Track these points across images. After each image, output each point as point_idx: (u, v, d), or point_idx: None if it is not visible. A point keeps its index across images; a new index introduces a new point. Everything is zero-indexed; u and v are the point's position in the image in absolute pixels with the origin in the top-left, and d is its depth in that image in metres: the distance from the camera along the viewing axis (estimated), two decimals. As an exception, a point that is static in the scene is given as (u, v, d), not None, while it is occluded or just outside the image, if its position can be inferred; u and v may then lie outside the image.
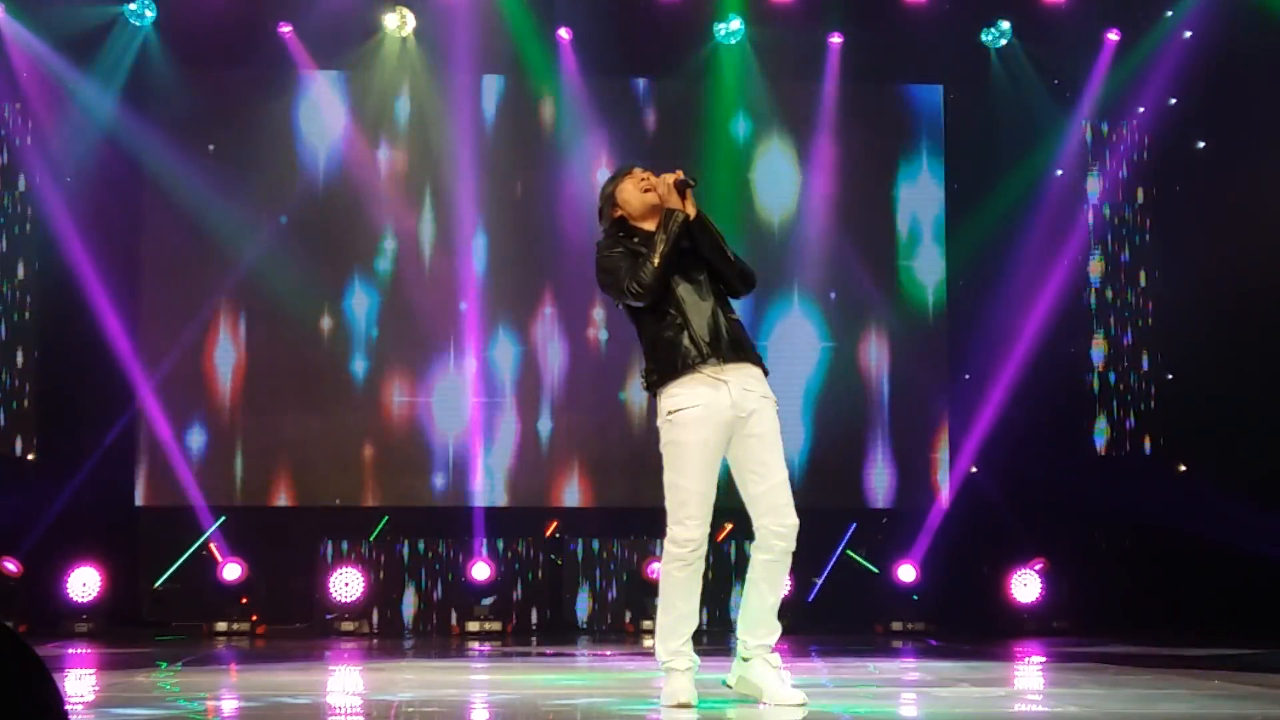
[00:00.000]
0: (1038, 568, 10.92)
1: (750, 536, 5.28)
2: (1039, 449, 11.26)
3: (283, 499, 11.21)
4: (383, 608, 10.87)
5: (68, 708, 2.86)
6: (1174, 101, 11.40)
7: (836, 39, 11.52)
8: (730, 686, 5.36)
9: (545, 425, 11.40)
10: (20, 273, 10.94)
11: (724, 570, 10.83)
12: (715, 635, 9.67)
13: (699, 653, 5.28)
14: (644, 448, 11.10)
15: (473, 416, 11.25)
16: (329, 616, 10.70)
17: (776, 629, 5.28)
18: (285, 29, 11.11)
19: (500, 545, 11.04)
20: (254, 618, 10.67)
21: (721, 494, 5.25)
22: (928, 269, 11.78)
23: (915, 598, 10.98)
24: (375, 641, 10.08)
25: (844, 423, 11.43)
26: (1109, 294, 11.71)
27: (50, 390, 10.91)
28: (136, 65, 11.07)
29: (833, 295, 11.66)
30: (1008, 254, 11.41)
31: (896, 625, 10.90)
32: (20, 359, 10.88)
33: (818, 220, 11.70)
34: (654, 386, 5.28)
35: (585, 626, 11.04)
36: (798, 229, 11.69)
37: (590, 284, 5.64)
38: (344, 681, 7.01)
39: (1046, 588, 10.89)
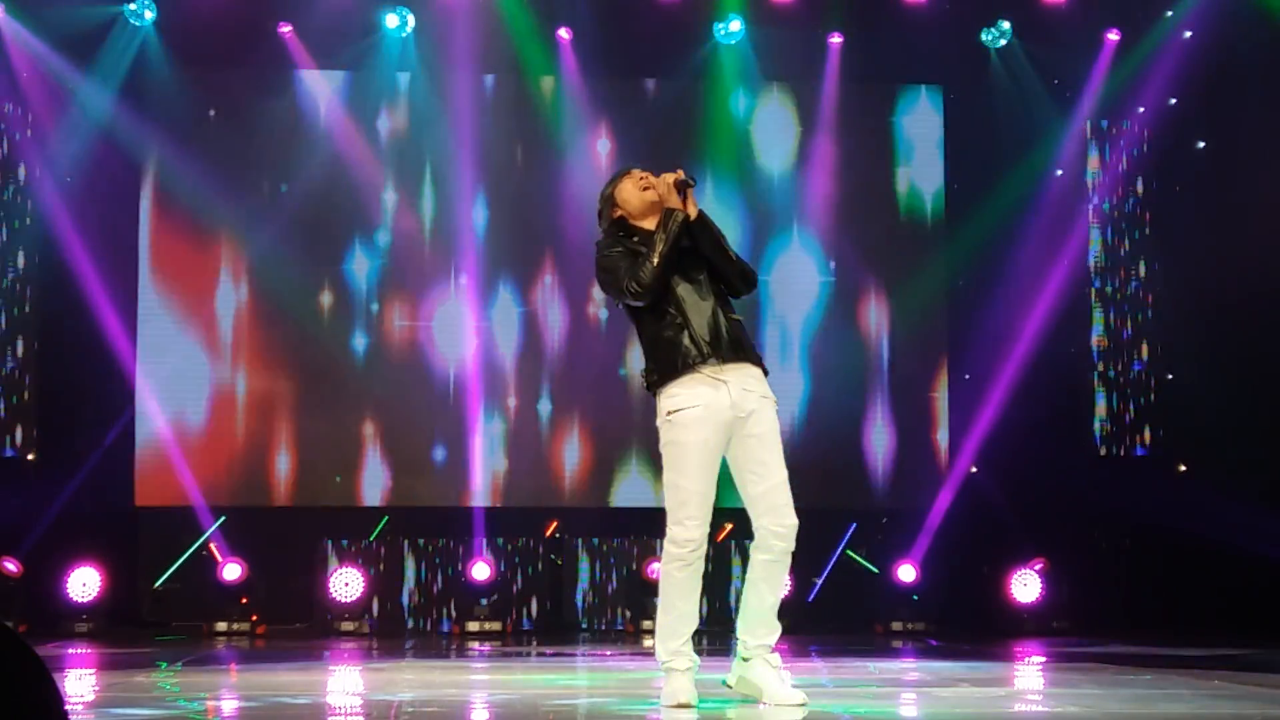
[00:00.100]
0: (1038, 568, 10.92)
1: (750, 536, 5.29)
2: (1039, 449, 11.26)
3: (283, 499, 11.21)
4: (383, 608, 10.87)
5: (68, 708, 2.86)
6: (1174, 101, 11.40)
7: (836, 39, 11.52)
8: (730, 687, 5.36)
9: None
10: (20, 272, 10.93)
11: (724, 570, 10.84)
12: (713, 636, 9.67)
13: (698, 652, 5.29)
14: (644, 443, 11.11)
15: (471, 407, 11.25)
16: (329, 617, 10.71)
17: (776, 629, 5.28)
18: (285, 29, 11.11)
19: (500, 545, 11.04)
20: (254, 618, 10.67)
21: (720, 495, 5.25)
22: (927, 268, 11.77)
23: (915, 598, 10.98)
24: (375, 641, 10.08)
25: (844, 423, 11.43)
26: (1109, 294, 11.71)
27: (50, 390, 10.90)
28: (136, 65, 11.07)
29: (833, 294, 11.66)
30: (1008, 254, 11.41)
31: (896, 625, 10.90)
32: (20, 359, 10.88)
33: (817, 221, 11.70)
34: (654, 386, 5.28)
35: (585, 626, 11.04)
36: (797, 229, 11.69)
37: (590, 280, 5.65)
38: (344, 681, 7.01)
39: (1046, 588, 10.89)
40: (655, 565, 9.64)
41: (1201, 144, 11.44)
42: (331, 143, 11.32)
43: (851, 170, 11.76)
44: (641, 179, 5.42)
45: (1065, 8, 11.33)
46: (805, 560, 10.96)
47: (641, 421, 10.93)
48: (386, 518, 11.23)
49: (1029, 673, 7.57)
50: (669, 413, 5.20)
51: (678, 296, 5.25)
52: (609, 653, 8.98)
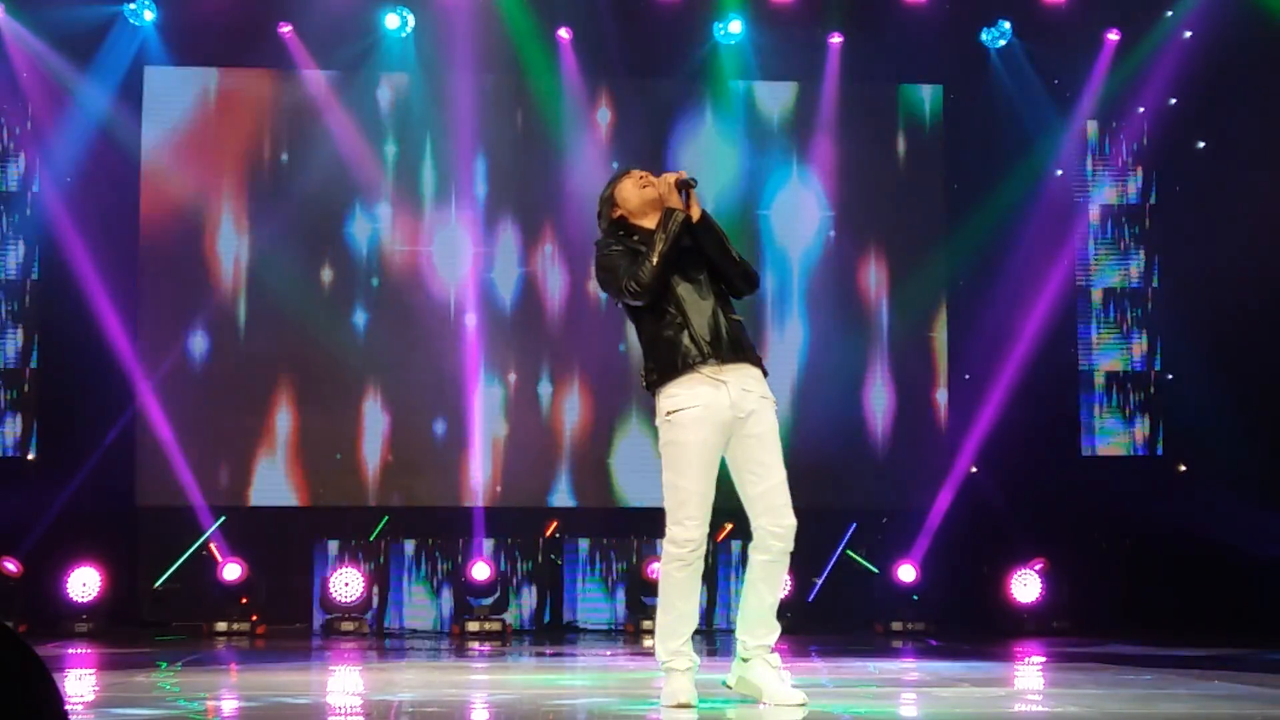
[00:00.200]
0: (1038, 568, 10.92)
1: (749, 536, 5.29)
2: (1039, 449, 11.26)
3: (283, 499, 11.21)
4: (382, 608, 10.87)
5: (68, 708, 2.86)
6: (1174, 101, 11.39)
7: (836, 39, 11.52)
8: (730, 687, 5.36)
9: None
10: (19, 271, 10.93)
11: (725, 570, 10.84)
12: (709, 636, 9.67)
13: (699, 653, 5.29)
14: (645, 440, 11.10)
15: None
16: (328, 617, 10.71)
17: (776, 629, 5.28)
18: (285, 29, 11.11)
19: (500, 545, 11.04)
20: (254, 618, 10.67)
21: (722, 494, 5.26)
22: (928, 268, 11.77)
23: (915, 598, 10.98)
24: (375, 641, 10.08)
25: (844, 423, 11.42)
26: (1109, 294, 11.71)
27: (50, 390, 10.90)
28: (136, 65, 11.07)
29: (831, 294, 11.67)
30: (1008, 254, 11.41)
31: (896, 625, 10.89)
32: (20, 358, 10.88)
33: (817, 220, 11.70)
34: (653, 386, 5.28)
35: (585, 626, 11.04)
36: (797, 229, 11.69)
37: (589, 276, 5.65)
38: (344, 681, 7.01)
39: (1046, 588, 10.89)
40: (655, 565, 9.64)
41: (1201, 144, 11.44)
42: (331, 143, 11.32)
43: (851, 170, 11.75)
44: (641, 178, 5.43)
45: (1065, 8, 11.33)
46: (805, 560, 10.97)
47: (643, 421, 10.94)
48: (386, 518, 11.23)
49: (1029, 673, 7.57)
50: (668, 413, 5.20)
51: (678, 296, 5.25)
52: (609, 653, 8.98)
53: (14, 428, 10.85)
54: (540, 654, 9.04)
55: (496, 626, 10.59)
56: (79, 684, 6.57)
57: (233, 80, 11.38)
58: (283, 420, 11.22)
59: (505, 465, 11.35)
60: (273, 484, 11.20)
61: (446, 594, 10.96)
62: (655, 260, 5.19)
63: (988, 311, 11.43)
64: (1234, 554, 10.28)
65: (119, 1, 10.97)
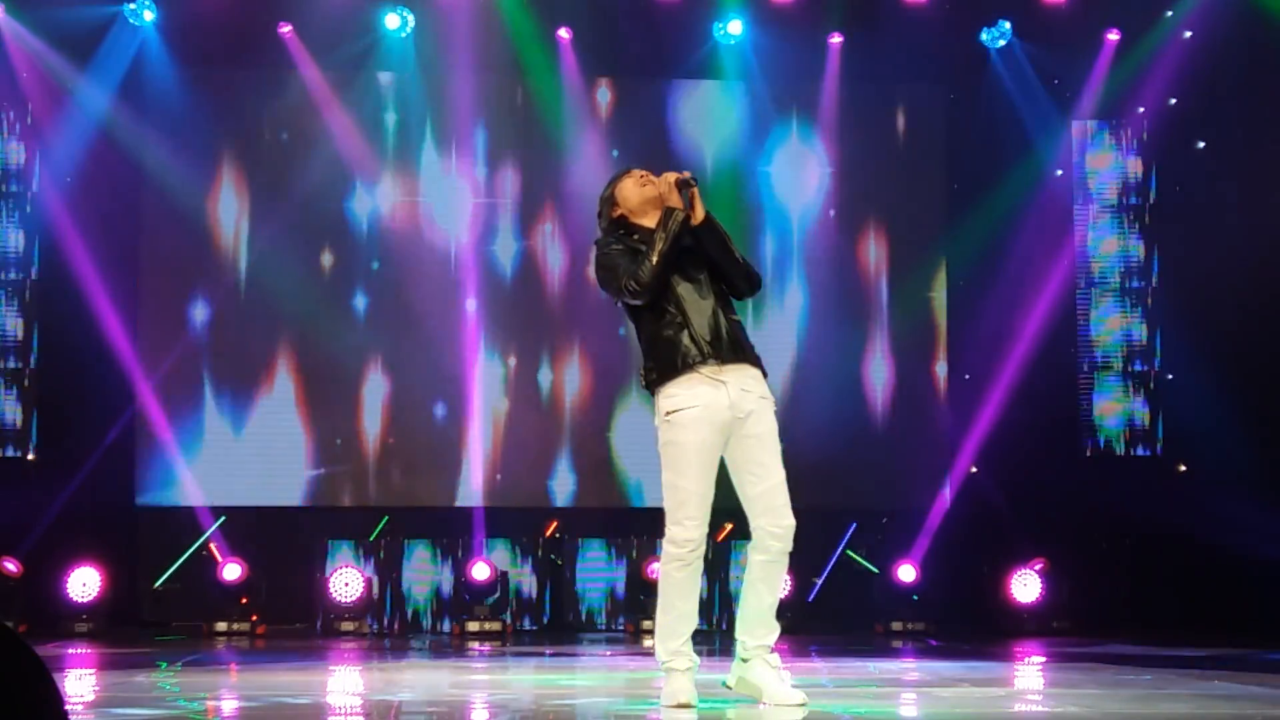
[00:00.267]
0: (1038, 568, 10.92)
1: (749, 536, 5.29)
2: (1039, 449, 11.26)
3: (283, 499, 11.21)
4: (382, 608, 10.87)
5: (68, 708, 2.86)
6: (1174, 101, 11.39)
7: (836, 39, 11.52)
8: (730, 688, 5.36)
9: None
10: (20, 272, 10.93)
11: (725, 571, 10.85)
12: (705, 637, 9.68)
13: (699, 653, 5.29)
14: (645, 443, 11.10)
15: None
16: (328, 617, 10.71)
17: (775, 629, 5.28)
18: (285, 29, 11.11)
19: (500, 545, 11.03)
20: (254, 618, 10.67)
21: (722, 494, 5.26)
22: (927, 268, 11.77)
23: (915, 598, 10.98)
24: (375, 641, 10.08)
25: (844, 423, 11.41)
26: (1109, 294, 11.70)
27: (50, 390, 10.90)
28: (136, 65, 11.07)
29: (832, 293, 11.67)
30: (1008, 254, 11.41)
31: (896, 625, 10.89)
32: (20, 358, 10.88)
33: (817, 220, 11.71)
34: (653, 385, 5.28)
35: (585, 626, 11.04)
36: (797, 230, 11.69)
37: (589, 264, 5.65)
38: (344, 681, 7.01)
39: (1046, 588, 10.89)
40: (655, 565, 9.64)
41: (1201, 144, 11.44)
42: (331, 143, 11.32)
43: (851, 170, 11.76)
44: (642, 177, 5.43)
45: (1065, 8, 11.32)
46: (805, 560, 10.97)
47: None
48: (386, 518, 11.23)
49: (1029, 673, 7.57)
50: (668, 413, 5.20)
51: (678, 295, 5.25)
52: (609, 653, 8.98)
53: (14, 427, 10.84)
54: (540, 654, 9.04)
55: (496, 626, 10.59)
56: (79, 684, 6.57)
57: (233, 80, 11.37)
58: (283, 420, 11.21)
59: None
60: (272, 483, 11.20)
61: (446, 594, 10.95)
62: (655, 259, 5.19)
63: (988, 311, 11.43)
64: (1234, 554, 10.27)
65: (119, 1, 10.96)
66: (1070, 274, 11.61)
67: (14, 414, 10.85)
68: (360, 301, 11.34)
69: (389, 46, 11.31)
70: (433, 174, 11.45)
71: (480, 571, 10.70)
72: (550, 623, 11.11)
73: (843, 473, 11.40)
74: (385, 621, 10.87)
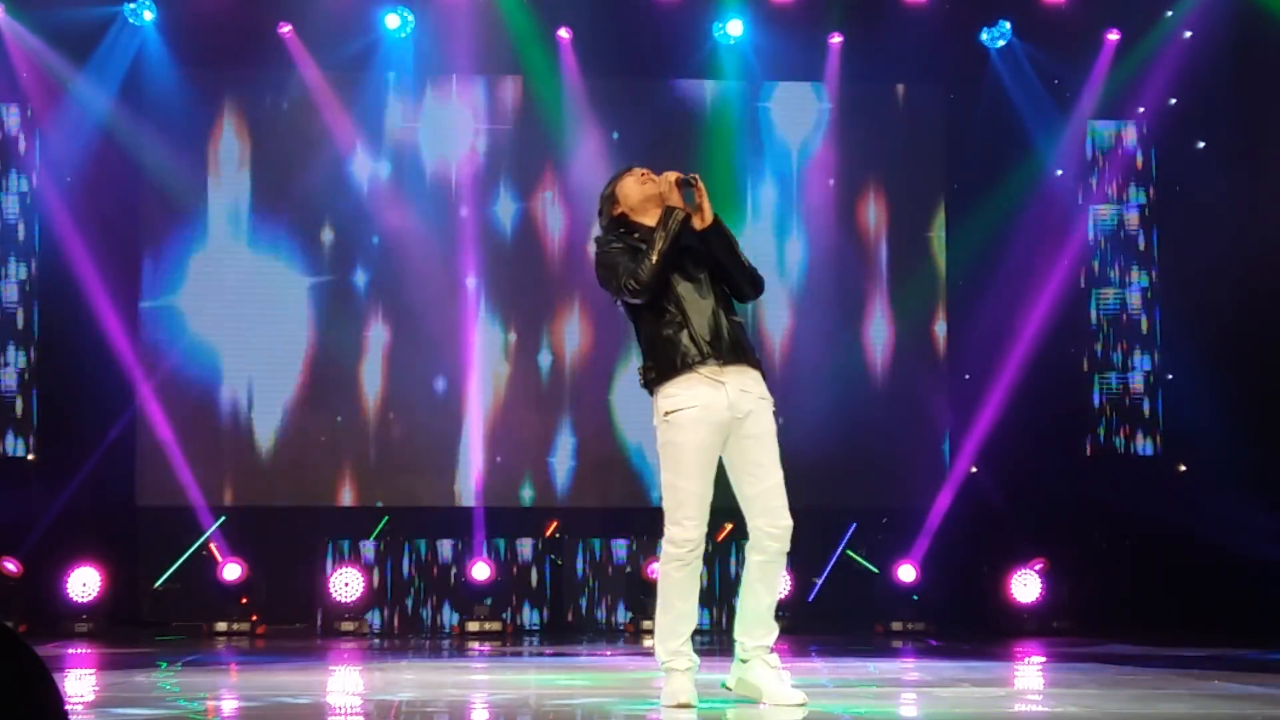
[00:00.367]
0: (1038, 568, 10.92)
1: (748, 537, 5.29)
2: (1039, 449, 11.26)
3: (283, 499, 11.21)
4: (383, 608, 10.87)
5: (68, 708, 2.86)
6: (1174, 101, 11.39)
7: (836, 39, 11.52)
8: (729, 689, 5.36)
9: (545, 358, 11.42)
10: (20, 272, 10.93)
11: (726, 571, 10.85)
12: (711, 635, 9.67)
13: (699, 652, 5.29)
14: (645, 443, 11.11)
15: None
16: (327, 618, 10.71)
17: (774, 629, 5.28)
18: (285, 29, 11.11)
19: (500, 545, 11.03)
20: (254, 618, 10.67)
21: (722, 494, 5.26)
22: (927, 268, 11.77)
23: (915, 598, 10.98)
24: (375, 641, 10.08)
25: (844, 423, 11.40)
26: (1109, 294, 11.71)
27: (50, 390, 10.90)
28: (136, 65, 11.07)
29: (832, 294, 11.68)
30: (1008, 254, 11.41)
31: (896, 625, 10.89)
32: (20, 358, 10.88)
33: (817, 221, 11.71)
34: (651, 385, 5.28)
35: (585, 626, 11.04)
36: (797, 230, 11.70)
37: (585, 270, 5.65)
38: (344, 681, 7.01)
39: (1046, 588, 10.89)
40: (655, 565, 9.64)
41: (1201, 144, 11.44)
42: (331, 143, 11.33)
43: (851, 171, 11.76)
44: (643, 175, 5.43)
45: (1065, 8, 11.32)
46: (805, 560, 10.98)
47: (643, 420, 10.93)
48: (386, 518, 11.23)
49: (1029, 673, 7.57)
50: (666, 413, 5.20)
51: (678, 295, 5.25)
52: (609, 653, 8.98)
53: (14, 428, 10.84)
54: (540, 654, 9.04)
55: (496, 626, 10.60)
56: (79, 684, 6.57)
57: (233, 80, 11.37)
58: (284, 419, 11.21)
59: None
60: (273, 483, 11.20)
61: (446, 594, 10.95)
62: (655, 259, 5.19)
63: (988, 311, 11.42)
64: (1234, 554, 10.27)
65: (119, 1, 10.96)
66: (1070, 274, 11.60)
67: (14, 414, 10.84)
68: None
69: (389, 46, 11.30)
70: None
71: (480, 571, 10.71)
72: (550, 623, 11.11)
73: (843, 473, 11.40)
74: (385, 621, 10.86)
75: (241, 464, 11.19)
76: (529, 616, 11.11)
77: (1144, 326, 11.68)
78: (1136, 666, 7.28)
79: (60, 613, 10.41)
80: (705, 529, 5.20)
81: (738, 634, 5.30)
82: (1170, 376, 11.60)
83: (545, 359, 11.45)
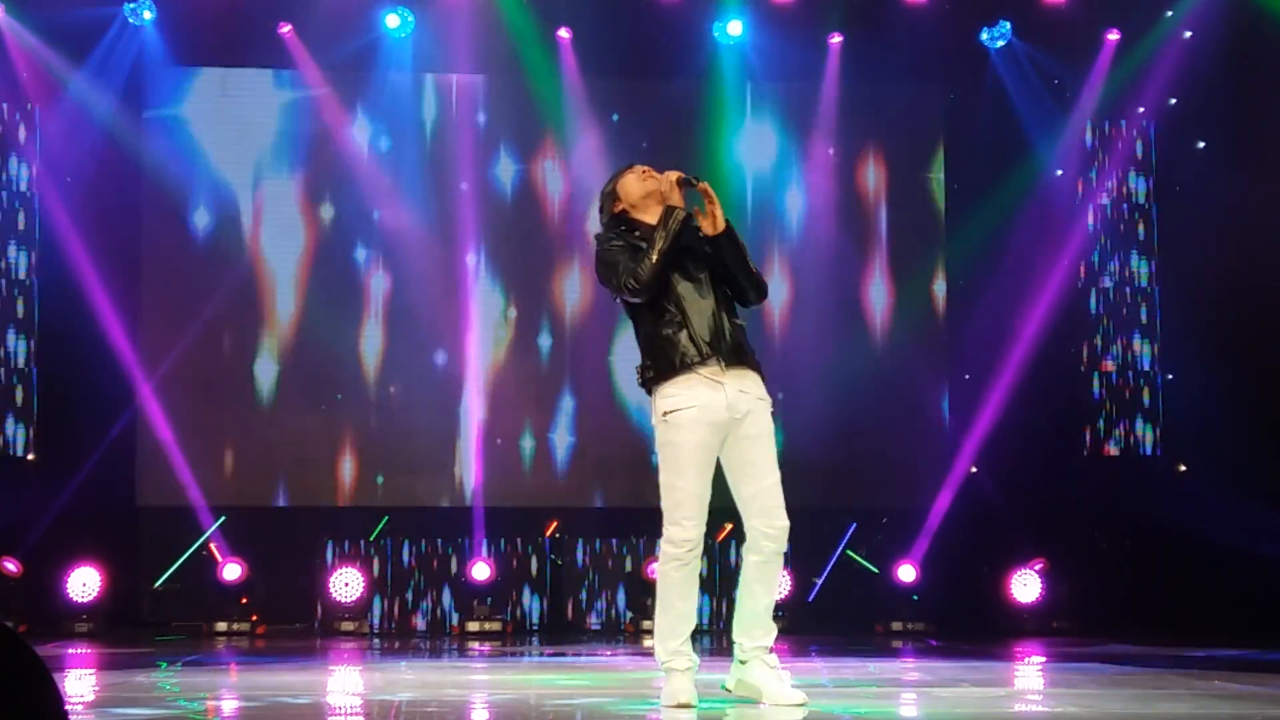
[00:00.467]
0: (1038, 568, 10.92)
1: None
2: (1039, 449, 11.26)
3: (283, 499, 11.21)
4: (382, 608, 10.87)
5: (68, 708, 2.86)
6: (1174, 101, 11.39)
7: (836, 39, 11.52)
8: (729, 690, 5.35)
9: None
10: (20, 272, 10.93)
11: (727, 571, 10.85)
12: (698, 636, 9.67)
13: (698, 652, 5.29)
14: (645, 442, 11.11)
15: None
16: (327, 618, 10.71)
17: (772, 630, 5.28)
18: (285, 29, 11.11)
19: (500, 545, 11.03)
20: (254, 618, 10.67)
21: (723, 495, 5.26)
22: (927, 269, 11.77)
23: (915, 598, 10.98)
24: (375, 641, 10.08)
25: (844, 423, 11.40)
26: (1109, 294, 11.71)
27: (50, 390, 10.90)
28: (136, 65, 11.07)
29: (832, 295, 11.68)
30: (1008, 254, 11.41)
31: (896, 625, 10.89)
32: (20, 358, 10.88)
33: (817, 221, 11.71)
34: (649, 384, 5.27)
35: (585, 626, 11.04)
36: (797, 230, 11.70)
37: (592, 283, 5.65)
38: (344, 681, 7.01)
39: (1046, 588, 10.89)
40: (655, 565, 9.64)
41: (1201, 144, 11.44)
42: (331, 142, 11.33)
43: (851, 171, 11.76)
44: (644, 172, 5.43)
45: (1065, 8, 11.32)
46: (805, 560, 10.98)
47: (641, 420, 10.94)
48: (386, 518, 11.23)
49: (1029, 673, 7.57)
50: (665, 413, 5.20)
51: (678, 294, 5.25)
52: (609, 653, 8.98)
53: (14, 428, 10.84)
54: (540, 654, 9.04)
55: (496, 626, 10.60)
56: (79, 684, 6.57)
57: (233, 80, 11.37)
58: (284, 419, 11.21)
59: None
60: (273, 483, 11.19)
61: (446, 594, 10.95)
62: (655, 258, 5.18)
63: (987, 311, 11.42)
64: (1234, 554, 10.27)
65: (119, 1, 10.96)
66: (1070, 274, 11.60)
67: (14, 414, 10.84)
68: (368, 317, 11.34)
69: (389, 46, 11.30)
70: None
71: (480, 571, 10.71)
72: (550, 623, 11.11)
73: (843, 473, 11.41)
74: (385, 621, 10.86)
75: (241, 464, 11.19)
76: (529, 616, 11.10)
77: (1144, 326, 11.68)
78: (1136, 666, 7.28)
79: (60, 613, 10.41)
80: (704, 529, 5.20)
81: (736, 635, 5.30)
82: (1170, 376, 11.60)
83: (544, 361, 11.45)
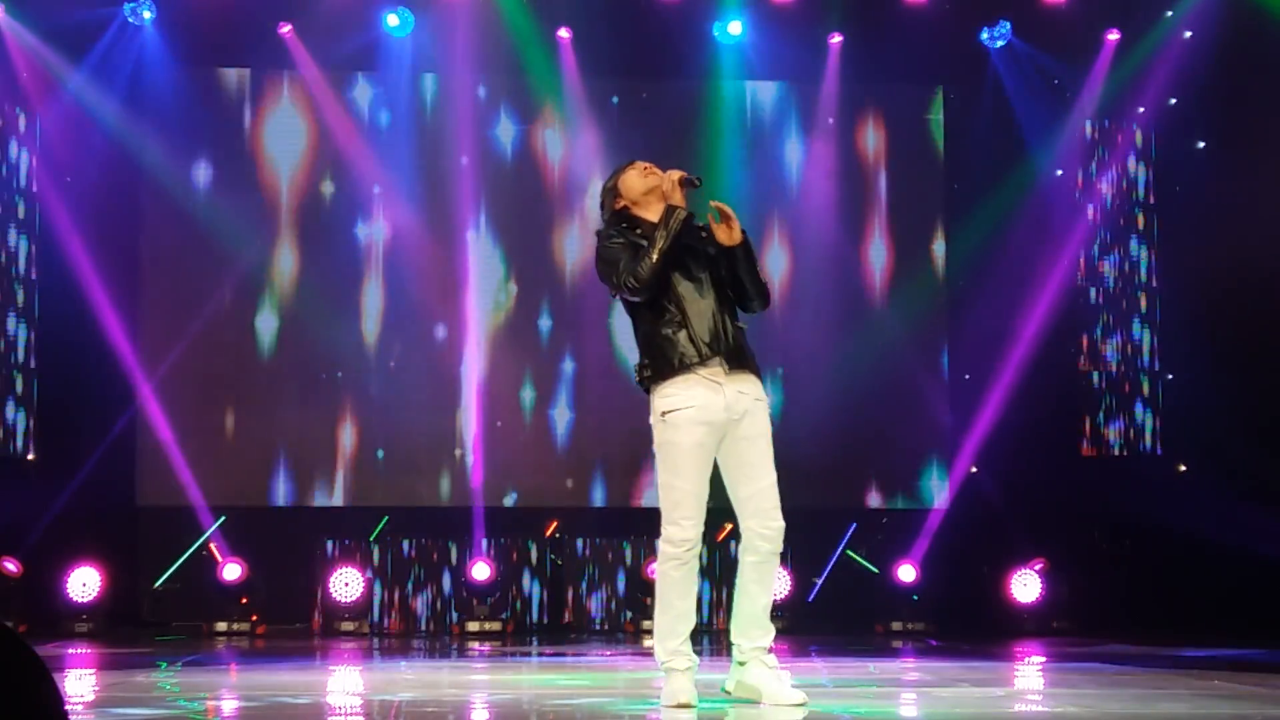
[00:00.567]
0: (1038, 568, 10.92)
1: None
2: (1039, 449, 11.26)
3: (283, 499, 11.21)
4: (383, 608, 10.87)
5: (68, 708, 2.86)
6: (1174, 101, 11.39)
7: (836, 39, 11.52)
8: (729, 693, 5.35)
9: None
10: (20, 272, 10.93)
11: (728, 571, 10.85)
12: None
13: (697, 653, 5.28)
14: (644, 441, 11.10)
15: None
16: (327, 618, 10.71)
17: (770, 630, 5.28)
18: (285, 29, 11.11)
19: (500, 545, 11.03)
20: (254, 618, 10.67)
21: (720, 494, 5.26)
22: (927, 269, 11.77)
23: (915, 598, 10.98)
24: (375, 641, 10.08)
25: (844, 423, 11.41)
26: (1109, 294, 11.70)
27: (50, 390, 10.90)
28: (136, 65, 11.07)
29: (833, 295, 11.68)
30: (1008, 254, 11.41)
31: (896, 625, 10.90)
32: (20, 358, 10.87)
33: (818, 222, 11.71)
34: (648, 383, 5.27)
35: (585, 626, 11.04)
36: (797, 230, 11.70)
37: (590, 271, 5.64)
38: (344, 681, 7.01)
39: (1046, 588, 10.89)
40: (654, 565, 9.64)
41: (1201, 144, 11.44)
42: (331, 142, 11.34)
43: (851, 170, 11.77)
44: (645, 168, 5.43)
45: (1065, 8, 11.32)
46: (805, 560, 10.98)
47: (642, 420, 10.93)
48: (386, 518, 11.23)
49: (1029, 673, 7.57)
50: (663, 413, 5.20)
51: (678, 294, 5.25)
52: (609, 653, 8.99)
53: (14, 427, 10.84)
54: (540, 654, 9.04)
55: (496, 626, 10.60)
56: (79, 684, 6.57)
57: (233, 80, 11.38)
58: (283, 419, 11.21)
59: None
60: (272, 483, 11.19)
61: (446, 594, 10.95)
62: (655, 257, 5.18)
63: (988, 311, 11.43)
64: (1234, 554, 10.27)
65: (119, 1, 10.96)
66: (1070, 274, 11.61)
67: (14, 414, 10.84)
68: (367, 308, 11.34)
69: (389, 46, 11.30)
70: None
71: (480, 571, 10.71)
72: (550, 622, 11.11)
73: (843, 473, 11.41)
74: (385, 621, 10.87)
75: (242, 464, 11.18)
76: (529, 617, 11.10)
77: (1144, 326, 11.68)
78: (1136, 666, 7.28)
79: (60, 613, 10.41)
80: (702, 528, 5.21)
81: (734, 636, 5.30)
82: (1170, 376, 11.60)
83: (547, 360, 11.46)
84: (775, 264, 11.53)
